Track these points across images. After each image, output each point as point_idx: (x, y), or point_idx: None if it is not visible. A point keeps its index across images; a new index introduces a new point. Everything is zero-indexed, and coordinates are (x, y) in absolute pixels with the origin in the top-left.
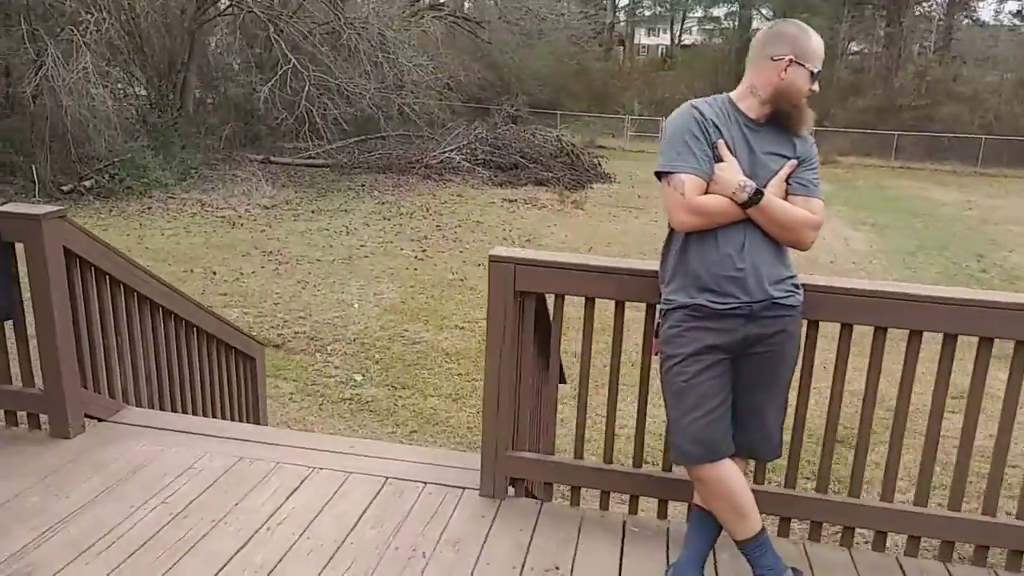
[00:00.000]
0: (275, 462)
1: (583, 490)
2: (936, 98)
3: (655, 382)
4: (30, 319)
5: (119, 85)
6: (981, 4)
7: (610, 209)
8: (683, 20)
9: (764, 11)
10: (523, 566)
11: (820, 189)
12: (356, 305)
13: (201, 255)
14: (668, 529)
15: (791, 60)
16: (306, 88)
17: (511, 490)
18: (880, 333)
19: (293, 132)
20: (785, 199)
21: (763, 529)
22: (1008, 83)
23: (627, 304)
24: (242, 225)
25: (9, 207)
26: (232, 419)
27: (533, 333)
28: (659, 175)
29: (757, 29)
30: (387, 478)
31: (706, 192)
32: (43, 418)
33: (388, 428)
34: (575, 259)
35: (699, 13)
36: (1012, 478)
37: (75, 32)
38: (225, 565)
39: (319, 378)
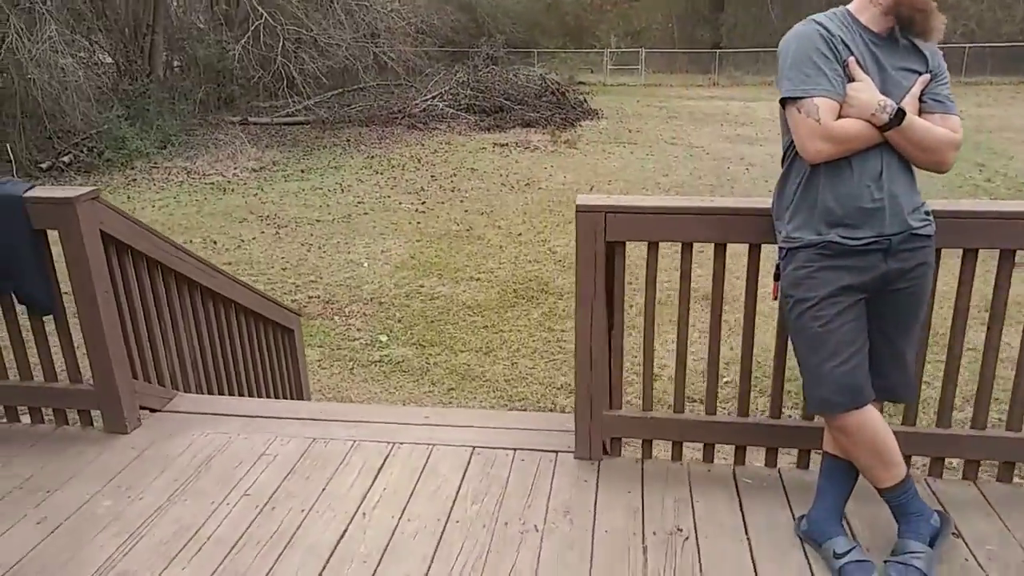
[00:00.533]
0: (351, 440)
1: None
2: None
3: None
4: (70, 309)
5: (82, 54)
6: None
7: (603, 146)
8: None
9: None
10: (643, 531)
11: (955, 104)
12: (366, 264)
13: (197, 224)
14: (781, 478)
15: None
16: (280, 43)
17: (606, 450)
18: (1008, 255)
19: (269, 90)
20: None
21: (908, 474)
22: None
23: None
24: (233, 190)
25: (38, 191)
26: (277, 396)
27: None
28: (784, 101)
29: None
30: (473, 447)
31: (839, 117)
32: (94, 414)
33: (424, 387)
34: (669, 202)
35: None
36: None
37: (36, 0)
38: (330, 557)
39: (343, 342)
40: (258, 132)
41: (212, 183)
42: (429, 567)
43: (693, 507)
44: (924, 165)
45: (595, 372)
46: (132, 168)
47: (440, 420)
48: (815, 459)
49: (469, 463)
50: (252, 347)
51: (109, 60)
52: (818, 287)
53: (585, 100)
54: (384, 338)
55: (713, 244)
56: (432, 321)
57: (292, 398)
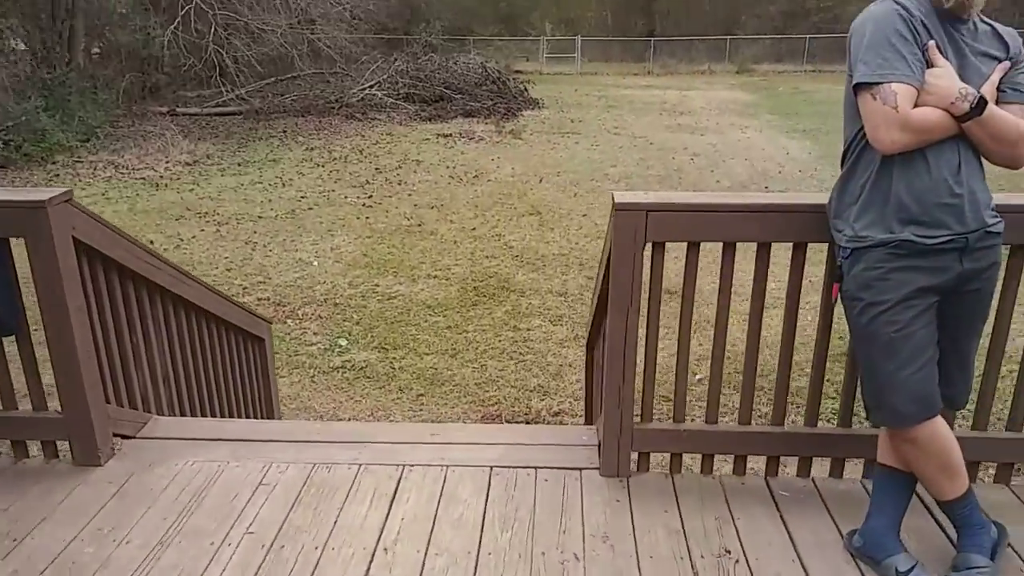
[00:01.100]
0: (356, 464)
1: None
2: None
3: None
4: (34, 326)
5: None
6: None
7: (548, 137)
8: None
9: None
10: (689, 555)
11: None
12: (315, 263)
13: (130, 223)
14: (817, 488)
15: None
16: (212, 28)
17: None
18: None
19: (197, 79)
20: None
21: (971, 485)
22: None
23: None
24: (166, 186)
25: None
26: (248, 412)
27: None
28: (858, 87)
29: None
30: (491, 467)
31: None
32: (60, 445)
33: (392, 395)
34: (713, 199)
35: None
36: None
37: None
38: None
39: (300, 347)
40: (188, 123)
41: (143, 178)
42: None
43: (735, 525)
44: (998, 159)
45: (627, 384)
46: (54, 163)
47: (449, 437)
48: (849, 468)
49: (490, 485)
50: (224, 360)
51: (23, 47)
52: (891, 289)
53: (526, 89)
54: (343, 342)
55: (756, 244)
56: (392, 322)
57: (262, 414)
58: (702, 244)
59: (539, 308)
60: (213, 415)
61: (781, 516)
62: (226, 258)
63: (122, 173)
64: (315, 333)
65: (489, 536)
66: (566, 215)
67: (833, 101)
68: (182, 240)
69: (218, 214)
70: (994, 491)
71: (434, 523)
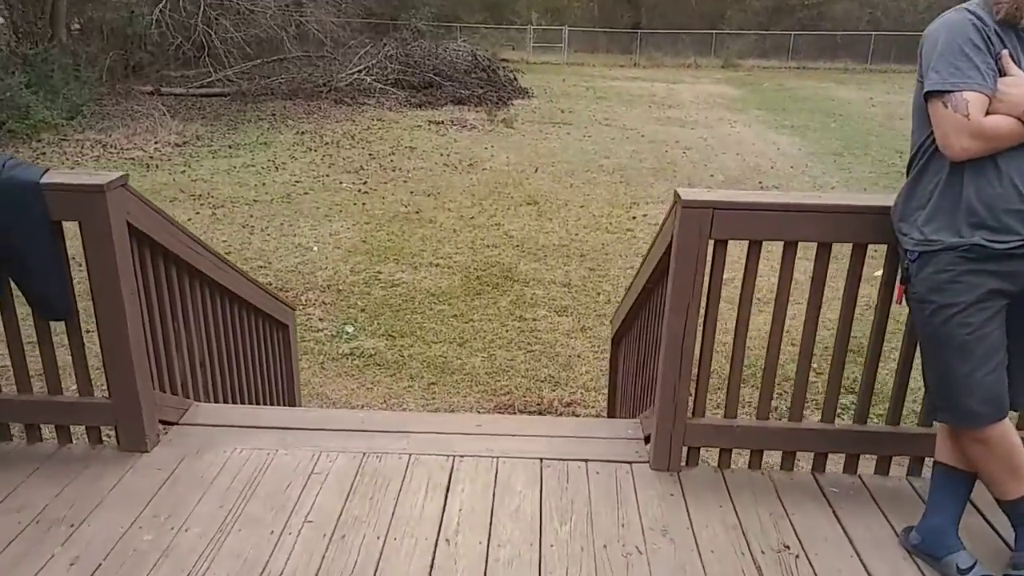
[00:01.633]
0: (406, 454)
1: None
2: None
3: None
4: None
5: None
6: None
7: (540, 126)
8: None
9: None
10: (749, 549)
11: None
12: (315, 248)
13: None
14: (865, 485)
15: None
16: (201, 8)
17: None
18: None
19: (182, 59)
20: None
21: None
22: None
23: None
24: (157, 167)
25: (53, 175)
26: (273, 399)
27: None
28: (929, 95)
29: None
30: (541, 459)
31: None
32: (105, 431)
33: (403, 383)
34: (778, 198)
35: None
36: None
37: None
38: None
39: (307, 333)
40: (174, 103)
41: (133, 158)
42: None
43: (791, 521)
44: None
45: (683, 382)
46: (39, 140)
47: (495, 428)
48: (894, 465)
49: (542, 477)
50: (254, 347)
51: (3, 21)
52: (964, 292)
53: (515, 78)
54: (350, 329)
55: (816, 244)
56: (398, 310)
57: (284, 399)
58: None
59: (543, 298)
60: (244, 402)
61: (834, 512)
62: (224, 242)
63: (111, 153)
64: (320, 319)
65: (549, 528)
66: (564, 206)
67: (816, 97)
68: None
69: (212, 197)
70: None
71: (492, 514)
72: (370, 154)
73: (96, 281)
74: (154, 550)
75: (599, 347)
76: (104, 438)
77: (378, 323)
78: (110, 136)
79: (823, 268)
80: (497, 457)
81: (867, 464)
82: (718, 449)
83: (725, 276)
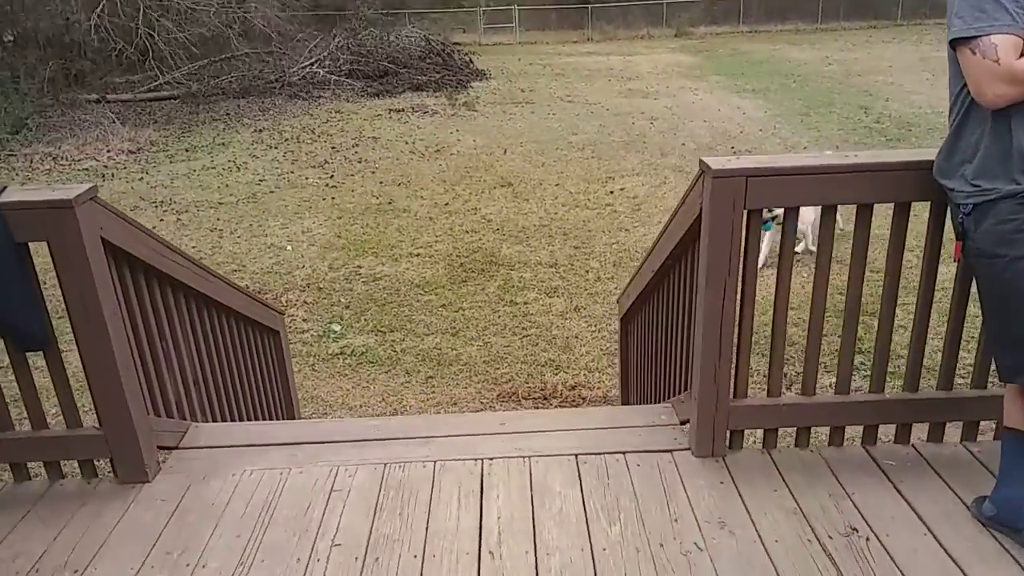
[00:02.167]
0: (430, 461)
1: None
2: None
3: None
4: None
5: None
6: None
7: (502, 107)
8: None
9: None
10: (815, 536)
11: None
12: (290, 247)
13: None
14: (921, 455)
15: None
16: (141, 11)
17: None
18: None
19: (125, 64)
20: None
21: None
22: None
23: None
24: (113, 175)
25: (12, 193)
26: (270, 410)
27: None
28: (955, 43)
29: None
30: (576, 455)
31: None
32: (99, 464)
33: (400, 378)
34: (812, 161)
35: None
36: None
37: None
38: None
39: (292, 335)
40: (123, 110)
41: (86, 169)
42: None
43: (852, 501)
44: None
45: (723, 361)
46: None
47: (520, 426)
48: (949, 432)
49: (580, 475)
50: (247, 357)
51: None
52: None
53: (471, 60)
54: (337, 327)
55: (856, 206)
56: (384, 304)
57: (282, 409)
58: None
59: (532, 281)
60: (243, 418)
61: (895, 487)
62: (193, 247)
63: (62, 165)
64: (304, 320)
65: (597, 530)
66: (538, 185)
67: (772, 60)
68: None
69: (175, 202)
70: None
71: (534, 520)
72: (333, 147)
73: (73, 304)
74: None
75: (596, 326)
76: (99, 470)
77: (365, 319)
78: (59, 148)
79: (865, 230)
80: (528, 457)
81: (918, 432)
82: (761, 430)
83: None
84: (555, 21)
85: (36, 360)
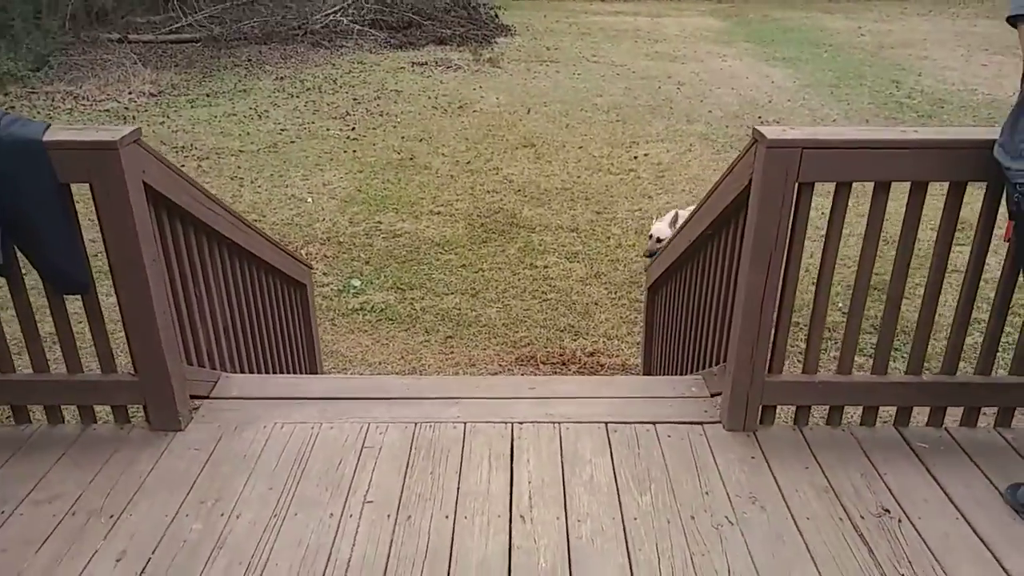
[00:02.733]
0: (459, 422)
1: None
2: None
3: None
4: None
5: None
6: None
7: (527, 65)
8: None
9: None
10: (847, 515)
11: None
12: (310, 199)
13: None
14: (954, 439)
15: None
16: None
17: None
18: None
19: (147, 3)
20: None
21: None
22: None
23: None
24: (133, 118)
25: (56, 132)
26: (295, 363)
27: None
28: (1016, 20)
29: None
30: (606, 423)
31: None
32: (132, 409)
33: (419, 337)
34: (870, 134)
35: None
36: None
37: None
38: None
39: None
40: (144, 51)
41: (107, 110)
42: None
43: (884, 481)
44: None
45: (762, 337)
46: (6, 94)
47: (550, 391)
48: (984, 416)
49: (610, 444)
50: (276, 309)
51: None
52: None
53: (496, 15)
54: (357, 283)
55: (910, 183)
56: (404, 262)
57: (305, 363)
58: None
59: (552, 245)
60: (269, 369)
61: (928, 470)
62: (214, 194)
63: (84, 105)
64: (324, 274)
65: (628, 499)
66: (562, 147)
67: (803, 28)
68: None
69: (196, 148)
70: None
71: (564, 486)
72: (355, 99)
73: (114, 249)
74: (206, 540)
75: (615, 293)
76: (131, 417)
77: (384, 276)
78: (81, 88)
79: (917, 209)
80: (559, 423)
81: (953, 414)
82: (793, 406)
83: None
84: None
85: (71, 305)
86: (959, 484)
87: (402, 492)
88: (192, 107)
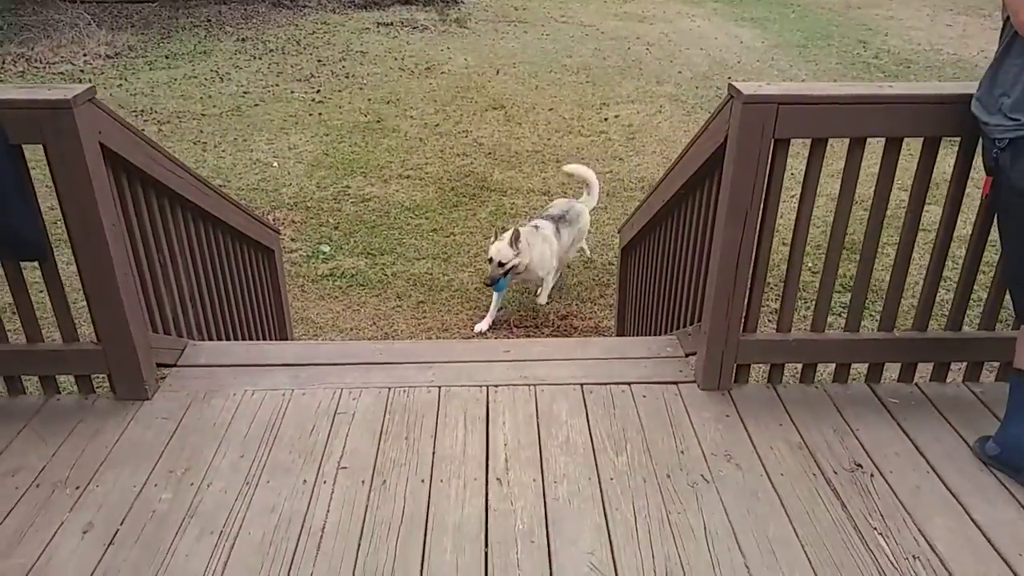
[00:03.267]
0: (434, 387)
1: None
2: None
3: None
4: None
5: None
6: None
7: (494, 25)
8: None
9: None
10: (820, 470)
11: None
12: (276, 164)
13: None
14: (924, 393)
15: None
16: None
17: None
18: None
19: None
20: None
21: None
22: None
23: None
24: (90, 81)
25: (8, 90)
26: (263, 331)
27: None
28: None
29: None
30: (581, 384)
31: None
32: (96, 380)
33: (391, 302)
34: (844, 90)
35: None
36: None
37: None
38: (487, 539)
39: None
40: (98, 12)
41: (61, 73)
42: (610, 539)
43: (857, 437)
44: None
45: (737, 296)
46: None
47: (525, 354)
48: (952, 372)
49: (586, 404)
50: (244, 276)
51: None
52: None
53: None
54: (326, 248)
55: (885, 139)
56: (373, 226)
57: (275, 330)
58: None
59: (524, 208)
60: (238, 337)
61: (899, 425)
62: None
63: (36, 68)
64: (292, 239)
65: (604, 459)
66: (531, 109)
67: None
68: None
69: (156, 112)
70: None
71: (540, 448)
72: (319, 60)
73: (71, 212)
74: (176, 510)
75: (587, 258)
76: (96, 387)
77: (354, 241)
78: (32, 49)
79: (891, 167)
80: (534, 385)
81: (923, 371)
82: (767, 364)
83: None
84: None
85: (28, 273)
86: (929, 438)
87: (376, 457)
88: (151, 69)
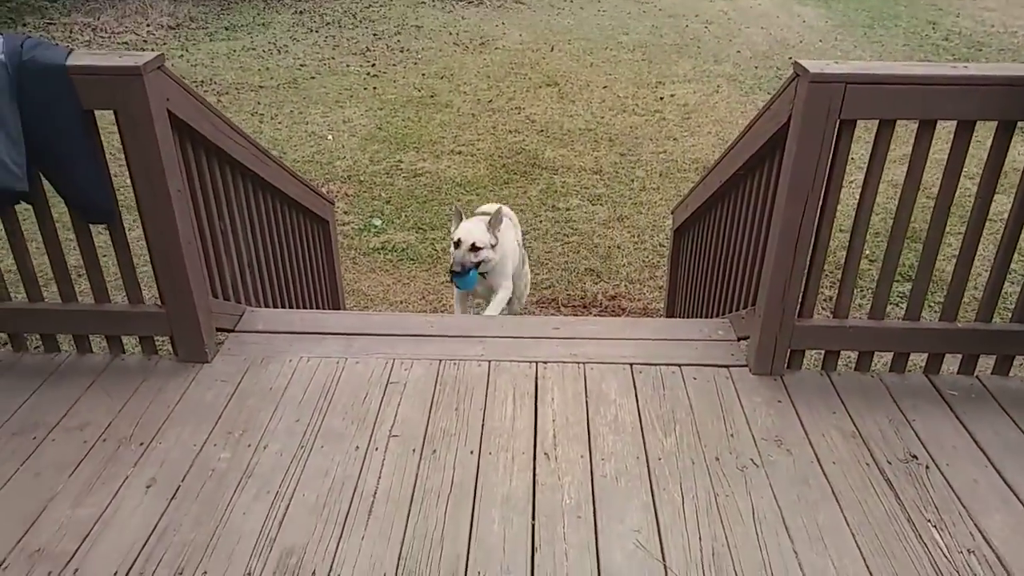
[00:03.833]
0: (483, 360)
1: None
2: None
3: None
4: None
5: None
6: None
7: (550, 1)
8: None
9: None
10: (874, 460)
11: None
12: (330, 137)
13: None
14: (985, 387)
15: None
16: None
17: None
18: None
19: None
20: None
21: None
22: None
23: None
24: (152, 51)
25: (79, 56)
26: (318, 300)
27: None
28: None
29: None
30: (631, 364)
31: None
32: (159, 341)
33: (440, 277)
34: (919, 70)
35: None
36: None
37: None
38: (535, 512)
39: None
40: None
41: (126, 43)
42: (657, 518)
43: (913, 428)
44: None
45: (795, 280)
46: (24, 24)
47: (575, 332)
48: (1015, 366)
49: (635, 384)
50: (299, 244)
51: None
52: None
53: None
54: (378, 222)
55: (956, 122)
56: (424, 201)
57: (328, 299)
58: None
59: (575, 187)
60: (292, 304)
61: (957, 417)
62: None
63: (102, 37)
64: (345, 212)
65: (653, 440)
66: (585, 87)
67: None
68: None
69: (215, 83)
70: None
71: (589, 425)
72: (374, 34)
73: (139, 177)
74: (234, 469)
75: (639, 237)
76: (158, 349)
77: (405, 215)
78: (98, 19)
79: (962, 149)
80: (583, 363)
81: (984, 364)
82: (821, 351)
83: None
84: None
85: (96, 238)
86: (989, 432)
87: (427, 427)
88: (211, 40)
